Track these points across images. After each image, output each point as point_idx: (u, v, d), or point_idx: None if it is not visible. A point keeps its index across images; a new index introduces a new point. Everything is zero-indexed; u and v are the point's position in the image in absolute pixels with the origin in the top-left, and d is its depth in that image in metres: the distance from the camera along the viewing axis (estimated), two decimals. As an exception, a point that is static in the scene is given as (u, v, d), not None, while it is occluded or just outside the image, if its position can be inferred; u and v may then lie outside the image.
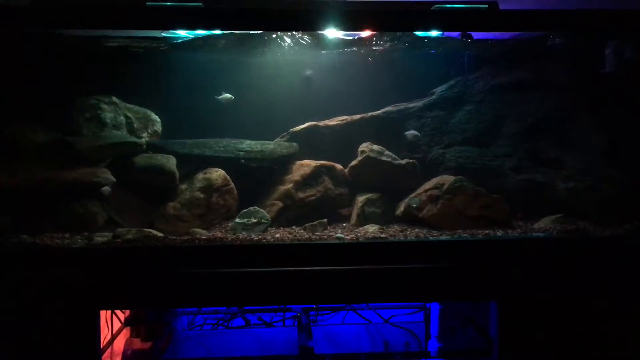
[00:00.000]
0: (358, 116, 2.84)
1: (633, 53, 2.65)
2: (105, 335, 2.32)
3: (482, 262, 2.06)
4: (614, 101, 2.62)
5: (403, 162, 2.64)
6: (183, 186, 2.49)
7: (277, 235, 2.24)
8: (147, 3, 2.08)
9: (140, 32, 2.54)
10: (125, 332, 2.65)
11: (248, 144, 2.63)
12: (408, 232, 2.30)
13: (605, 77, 2.72)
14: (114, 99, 2.61)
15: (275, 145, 2.69)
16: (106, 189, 2.30)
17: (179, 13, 2.09)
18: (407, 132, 2.49)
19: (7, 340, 1.91)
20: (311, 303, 2.70)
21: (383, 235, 2.24)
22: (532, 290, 2.05)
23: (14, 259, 1.94)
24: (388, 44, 2.75)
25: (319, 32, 2.58)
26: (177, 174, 2.47)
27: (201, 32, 2.52)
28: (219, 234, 2.26)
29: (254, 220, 2.32)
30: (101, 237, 2.11)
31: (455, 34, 2.67)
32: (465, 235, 2.23)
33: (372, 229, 2.34)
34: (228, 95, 2.58)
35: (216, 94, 2.61)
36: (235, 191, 2.57)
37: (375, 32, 2.63)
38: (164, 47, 2.62)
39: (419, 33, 2.63)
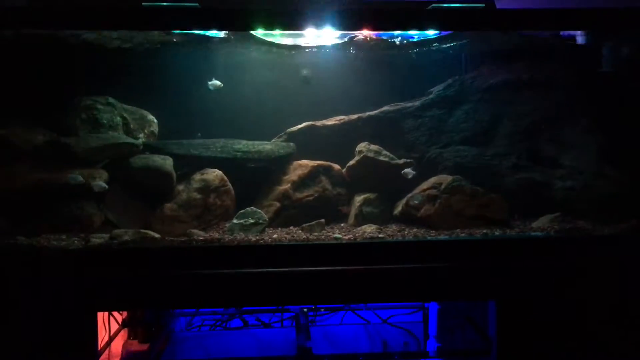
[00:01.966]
0: (355, 116, 2.83)
1: (630, 51, 2.65)
2: (102, 337, 2.31)
3: (481, 262, 2.06)
4: (612, 100, 2.62)
5: (401, 161, 2.64)
6: (180, 187, 2.48)
7: (275, 235, 2.23)
8: (143, 3, 2.07)
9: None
10: (123, 334, 2.64)
11: (245, 144, 2.63)
12: (406, 232, 2.30)
13: (603, 75, 2.72)
14: (110, 99, 2.60)
15: (272, 146, 2.68)
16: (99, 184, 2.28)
17: (175, 13, 2.09)
18: (404, 171, 2.54)
19: (3, 342, 1.90)
20: (309, 303, 2.69)
21: (381, 235, 2.23)
22: (530, 290, 2.05)
23: (10, 261, 1.93)
24: (385, 44, 2.75)
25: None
26: (174, 175, 2.46)
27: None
28: (216, 235, 2.25)
29: (252, 221, 2.32)
30: (98, 239, 2.10)
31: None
32: (463, 234, 2.23)
33: (370, 228, 2.34)
34: (218, 83, 2.60)
35: (209, 80, 2.64)
36: (233, 192, 2.57)
37: (371, 32, 2.63)
38: (160, 46, 2.62)
39: (415, 32, 2.63)
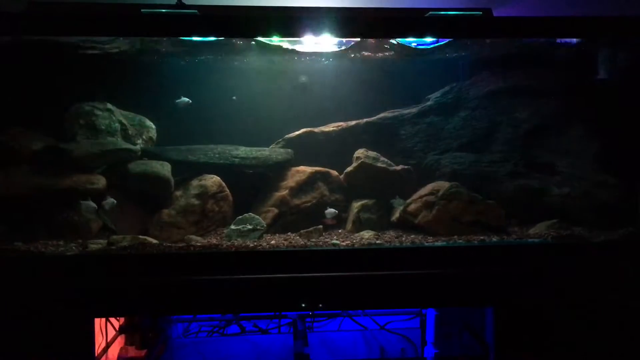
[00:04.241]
0: (353, 122, 2.84)
1: (626, 59, 2.67)
2: (99, 343, 2.30)
3: (478, 268, 2.06)
4: (608, 107, 2.63)
5: (398, 168, 2.64)
6: (178, 193, 2.48)
7: (273, 241, 2.23)
8: (142, 10, 2.08)
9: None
10: (120, 340, 2.63)
11: (243, 150, 2.63)
12: (403, 238, 2.30)
13: (599, 83, 2.74)
14: (109, 105, 2.60)
15: (270, 152, 2.69)
16: (110, 201, 2.29)
17: (174, 20, 2.09)
18: (326, 211, 2.53)
19: (0, 348, 1.90)
20: (307, 309, 2.69)
21: (379, 242, 2.23)
22: (527, 296, 2.05)
23: (8, 267, 1.93)
24: (384, 51, 2.76)
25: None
26: (172, 181, 2.47)
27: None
28: (214, 241, 2.25)
29: (249, 227, 2.32)
30: (96, 245, 2.10)
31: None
32: (460, 241, 2.23)
33: (367, 235, 2.34)
34: (186, 100, 2.61)
35: (176, 98, 2.65)
36: (231, 198, 2.57)
37: (370, 39, 2.64)
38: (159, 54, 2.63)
39: (413, 40, 2.64)
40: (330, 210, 2.48)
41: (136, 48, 2.54)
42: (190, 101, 2.63)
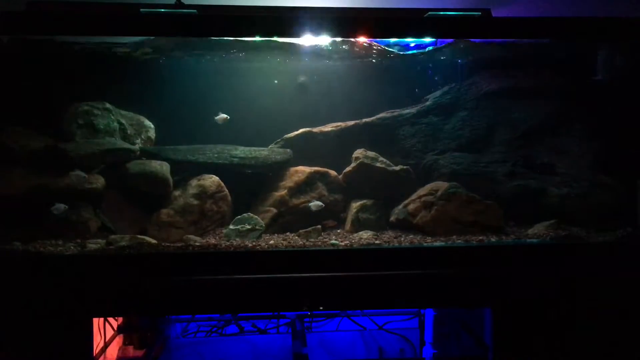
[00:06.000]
0: (352, 122, 2.84)
1: (624, 60, 2.67)
2: (98, 343, 2.30)
3: (477, 269, 2.06)
4: (607, 108, 2.64)
5: (397, 168, 2.64)
6: (177, 192, 2.48)
7: (271, 241, 2.23)
8: (141, 10, 2.08)
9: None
10: (118, 340, 2.63)
11: (242, 150, 2.63)
12: (402, 239, 2.30)
13: (598, 83, 2.74)
14: (107, 105, 2.60)
15: (269, 152, 2.69)
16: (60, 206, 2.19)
17: (173, 20, 2.09)
18: (310, 204, 2.52)
19: (-2, 348, 1.90)
20: (306, 310, 2.69)
21: (377, 242, 2.23)
22: (526, 297, 2.06)
23: (6, 266, 1.92)
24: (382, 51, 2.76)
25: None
26: (171, 181, 2.46)
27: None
28: (212, 241, 2.25)
29: (248, 227, 2.32)
30: (94, 244, 2.10)
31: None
32: (459, 241, 2.23)
33: (366, 235, 2.34)
34: (224, 116, 2.60)
35: (214, 115, 2.64)
36: (229, 197, 2.57)
37: (369, 39, 2.64)
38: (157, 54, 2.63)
39: (412, 40, 2.65)
40: (316, 203, 2.48)
41: (133, 47, 2.54)
42: (229, 117, 2.63)
